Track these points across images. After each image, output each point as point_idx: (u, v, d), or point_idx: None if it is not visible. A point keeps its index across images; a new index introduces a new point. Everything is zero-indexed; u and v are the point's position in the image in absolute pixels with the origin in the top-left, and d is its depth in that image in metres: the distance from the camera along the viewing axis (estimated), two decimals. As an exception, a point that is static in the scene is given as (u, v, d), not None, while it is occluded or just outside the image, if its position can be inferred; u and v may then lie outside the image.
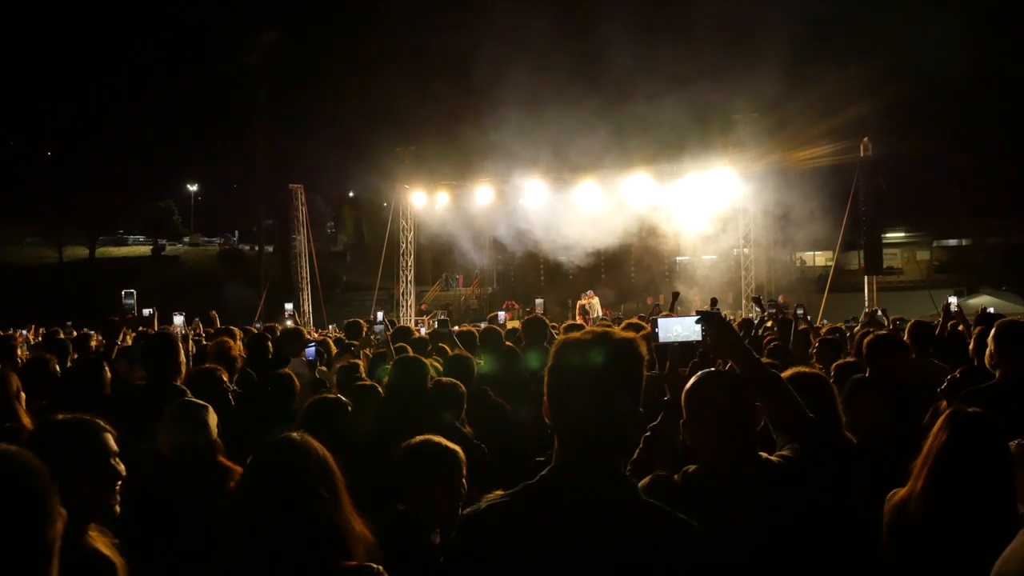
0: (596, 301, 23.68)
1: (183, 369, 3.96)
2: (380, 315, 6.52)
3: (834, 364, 4.44)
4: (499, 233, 25.13)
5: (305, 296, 25.73)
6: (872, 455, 3.05)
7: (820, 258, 40.47)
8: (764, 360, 5.39)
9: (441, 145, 24.45)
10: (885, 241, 41.17)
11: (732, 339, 2.26)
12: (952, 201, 39.67)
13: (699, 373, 2.23)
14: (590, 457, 1.70)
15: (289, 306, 6.24)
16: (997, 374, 3.79)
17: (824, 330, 8.53)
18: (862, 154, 20.26)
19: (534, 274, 31.07)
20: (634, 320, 9.08)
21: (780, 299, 26.23)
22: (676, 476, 2.16)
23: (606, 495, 1.66)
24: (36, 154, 56.71)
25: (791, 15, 22.63)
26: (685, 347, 2.44)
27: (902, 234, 41.83)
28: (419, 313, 25.84)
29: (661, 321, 2.45)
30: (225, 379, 4.04)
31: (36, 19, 59.02)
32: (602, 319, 21.36)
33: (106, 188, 53.10)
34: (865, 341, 4.13)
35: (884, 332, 4.39)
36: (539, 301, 13.47)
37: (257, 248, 48.42)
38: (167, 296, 38.90)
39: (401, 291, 25.82)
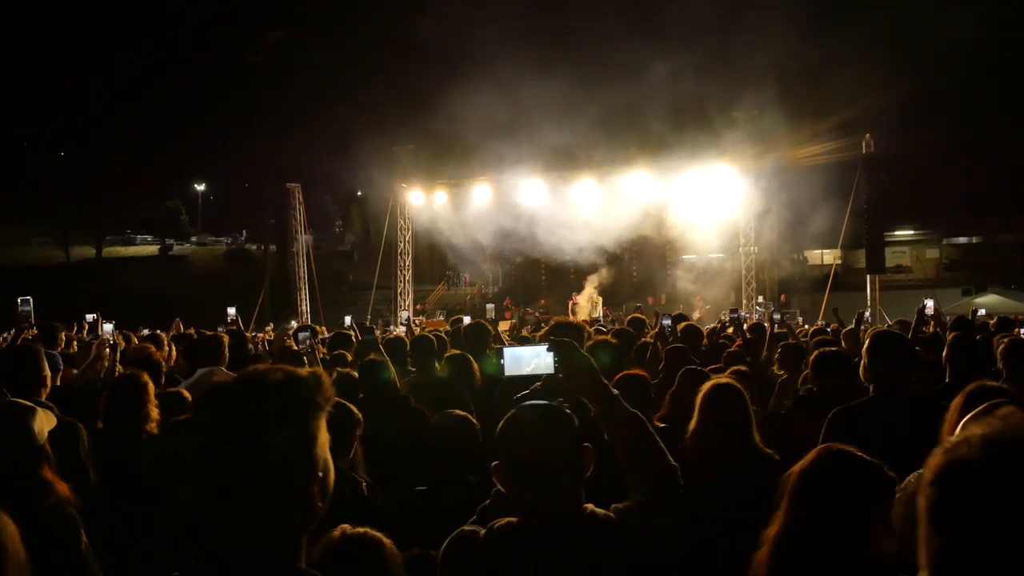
0: (599, 301, 23.49)
1: (48, 383, 3.78)
2: (293, 323, 6.30)
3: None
4: (499, 232, 24.94)
5: (303, 296, 25.59)
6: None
7: (828, 256, 40.04)
8: (731, 367, 5.19)
9: (439, 144, 24.25)
10: (893, 239, 40.82)
11: (586, 371, 2.01)
12: (962, 198, 39.11)
13: (519, 406, 1.97)
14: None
15: (232, 310, 6.04)
16: (871, 389, 3.51)
17: (811, 330, 8.27)
18: (864, 151, 19.92)
19: (535, 273, 30.89)
20: (635, 316, 8.88)
21: (783, 298, 26.14)
22: (483, 530, 1.89)
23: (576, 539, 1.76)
24: (43, 154, 56.91)
25: (792, 9, 22.27)
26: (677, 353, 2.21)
27: (911, 232, 41.29)
28: (416, 313, 25.66)
29: (508, 352, 2.18)
30: (150, 385, 3.85)
31: (43, 21, 59.28)
32: (604, 318, 21.21)
33: (113, 188, 53.21)
34: (811, 358, 3.89)
35: (830, 349, 4.12)
36: (490, 306, 13.21)
37: (263, 248, 48.48)
38: (172, 296, 39.12)
39: (399, 291, 25.67)
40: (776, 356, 5.41)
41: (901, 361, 3.31)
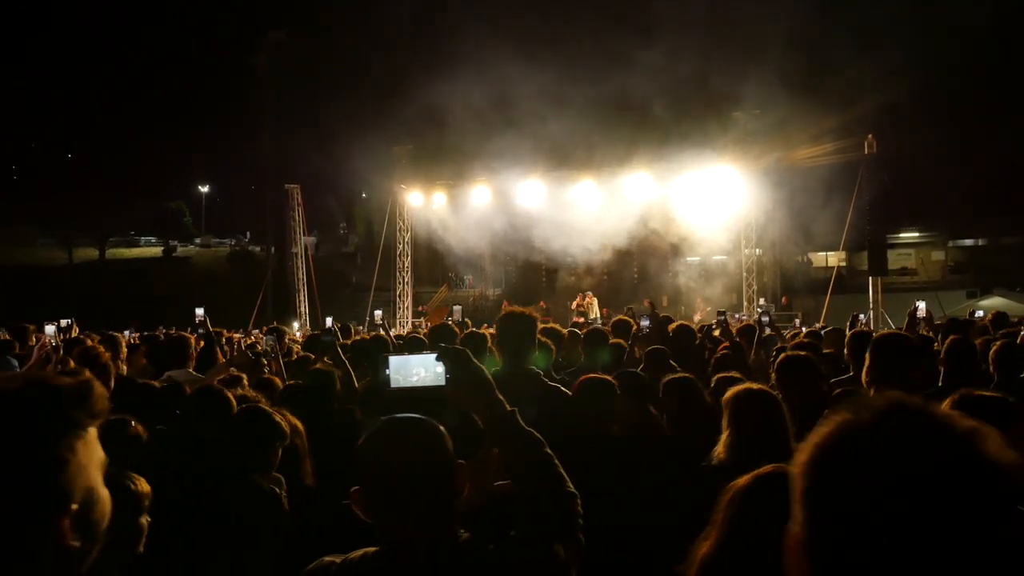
0: (594, 302, 23.26)
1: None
2: (295, 324, 6.12)
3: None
4: (499, 234, 24.77)
5: (302, 297, 25.48)
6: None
7: (832, 258, 39.75)
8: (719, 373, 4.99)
9: (438, 144, 24.10)
10: (899, 241, 40.54)
11: (476, 382, 1.80)
12: (968, 200, 38.77)
13: (385, 419, 1.75)
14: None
15: (200, 311, 5.86)
16: (871, 392, 3.28)
17: (801, 336, 8.05)
18: (866, 151, 19.68)
19: (535, 275, 30.72)
20: (621, 317, 8.70)
21: (784, 300, 25.90)
22: (339, 559, 1.68)
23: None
24: (47, 155, 56.97)
25: (794, 7, 22.07)
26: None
27: (916, 234, 40.96)
28: (416, 315, 25.52)
29: (393, 360, 1.97)
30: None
31: (48, 23, 59.42)
32: (602, 319, 20.99)
33: (117, 189, 53.24)
34: (776, 361, 3.68)
35: (796, 353, 3.92)
36: (457, 308, 13.03)
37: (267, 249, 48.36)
38: (176, 297, 39.08)
39: (398, 292, 25.52)
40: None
41: (904, 362, 3.11)
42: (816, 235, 25.10)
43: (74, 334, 7.36)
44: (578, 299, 23.93)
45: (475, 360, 1.84)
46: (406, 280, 25.47)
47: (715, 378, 4.33)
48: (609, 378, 3.66)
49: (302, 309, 25.22)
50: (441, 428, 1.69)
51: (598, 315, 21.93)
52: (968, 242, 42.11)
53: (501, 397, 1.83)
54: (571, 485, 1.79)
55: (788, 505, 1.80)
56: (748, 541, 1.75)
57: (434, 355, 1.84)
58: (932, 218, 39.88)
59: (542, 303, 28.43)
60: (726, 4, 26.57)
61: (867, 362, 3.15)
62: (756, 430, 2.95)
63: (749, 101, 21.20)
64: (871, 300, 19.60)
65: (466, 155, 22.63)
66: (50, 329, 5.29)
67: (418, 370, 1.90)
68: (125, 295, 43.30)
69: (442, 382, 1.81)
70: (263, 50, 45.86)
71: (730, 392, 3.08)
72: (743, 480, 1.88)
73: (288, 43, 45.23)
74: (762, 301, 21.61)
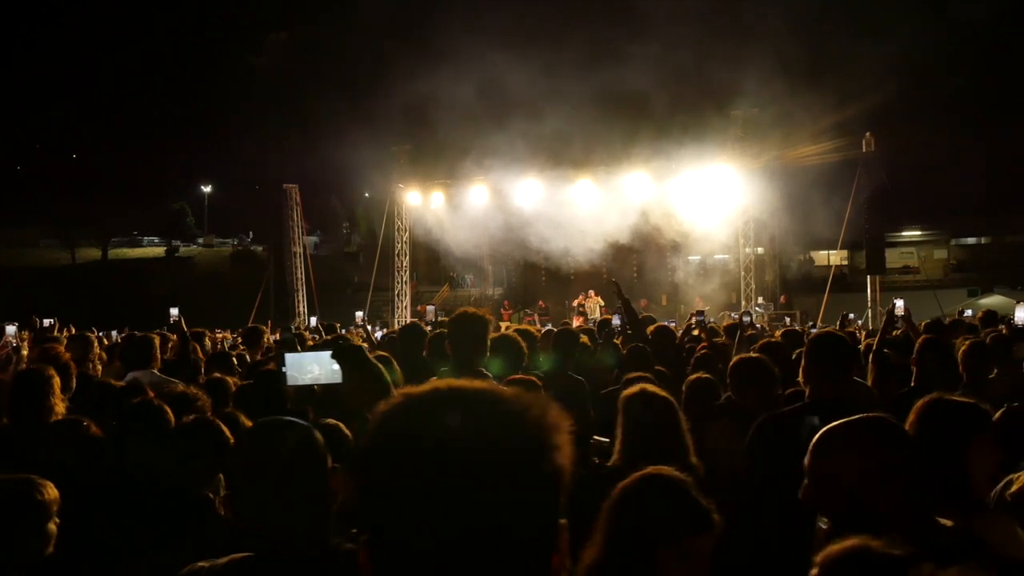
0: (597, 300, 23.19)
1: None
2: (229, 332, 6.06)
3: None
4: (497, 234, 24.73)
5: (300, 297, 25.47)
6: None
7: (835, 257, 39.60)
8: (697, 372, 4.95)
9: (436, 144, 24.07)
10: (901, 240, 40.37)
11: (373, 381, 1.75)
12: (970, 199, 38.57)
13: (257, 421, 1.71)
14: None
15: (175, 311, 5.81)
16: (807, 394, 3.20)
17: (777, 335, 7.98)
18: (864, 150, 19.59)
19: (534, 275, 30.65)
20: (604, 318, 8.66)
21: (782, 299, 25.78)
22: (208, 564, 1.60)
23: None
24: (49, 156, 57.17)
25: (792, 5, 21.98)
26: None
27: (918, 233, 40.79)
28: (415, 315, 25.48)
29: (289, 357, 1.93)
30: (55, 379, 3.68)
31: (51, 25, 59.64)
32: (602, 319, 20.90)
33: (120, 190, 53.39)
34: (731, 364, 3.63)
35: (750, 355, 3.86)
36: (431, 308, 12.96)
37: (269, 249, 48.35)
38: (178, 298, 39.12)
39: (397, 292, 25.50)
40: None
41: (841, 365, 3.04)
42: (818, 233, 24.99)
43: (55, 333, 7.36)
44: (580, 297, 23.86)
45: (372, 359, 1.79)
46: (404, 279, 25.44)
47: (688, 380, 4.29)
48: (533, 378, 3.61)
49: (300, 309, 25.21)
50: (315, 431, 1.64)
51: (599, 315, 21.87)
52: (971, 240, 41.94)
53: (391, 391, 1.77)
54: None
55: (667, 508, 1.77)
56: (628, 546, 1.71)
57: (329, 353, 1.80)
58: (935, 216, 39.73)
59: (542, 303, 28.36)
60: (724, 1, 26.50)
61: (802, 363, 3.10)
62: (648, 432, 2.93)
63: (747, 99, 21.12)
64: (869, 299, 19.53)
65: (464, 154, 22.62)
66: (11, 329, 5.27)
67: (312, 367, 1.87)
68: (128, 295, 43.38)
69: (338, 379, 1.77)
70: (266, 50, 45.95)
71: (624, 394, 3.04)
72: (623, 484, 1.85)
73: (289, 43, 45.29)
74: (760, 300, 21.54)
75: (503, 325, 21.93)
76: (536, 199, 22.50)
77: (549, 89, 21.28)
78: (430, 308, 12.27)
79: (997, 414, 2.33)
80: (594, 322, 17.97)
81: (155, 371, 5.17)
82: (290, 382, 1.89)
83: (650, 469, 1.87)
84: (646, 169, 21.32)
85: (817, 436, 1.80)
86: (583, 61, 22.94)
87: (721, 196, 21.09)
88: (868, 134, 19.77)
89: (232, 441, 2.91)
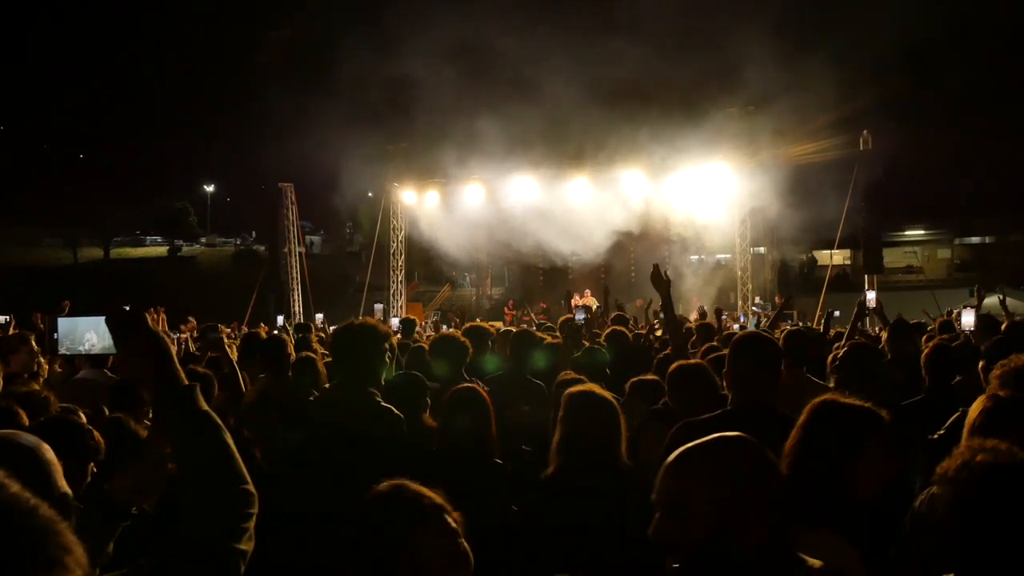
0: (593, 301, 23.01)
1: None
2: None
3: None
4: (495, 233, 24.59)
5: (295, 296, 25.36)
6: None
7: (838, 256, 39.33)
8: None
9: (431, 142, 23.92)
10: (904, 239, 40.09)
11: (149, 349, 1.55)
12: (974, 199, 38.30)
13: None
14: None
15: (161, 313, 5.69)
16: (729, 399, 3.06)
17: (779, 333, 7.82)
18: (861, 147, 19.38)
19: (533, 275, 30.52)
20: (616, 314, 8.51)
21: (778, 299, 25.55)
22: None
23: None
24: (53, 156, 57.33)
25: (791, 3, 21.78)
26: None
27: (922, 232, 40.51)
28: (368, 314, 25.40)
29: (62, 323, 1.76)
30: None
31: (54, 25, 59.79)
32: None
33: (123, 189, 53.52)
34: (670, 369, 3.49)
35: (688, 363, 3.71)
36: (378, 306, 12.83)
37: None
38: (181, 297, 39.10)
39: (392, 291, 25.38)
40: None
41: (765, 367, 2.88)
42: (818, 233, 24.79)
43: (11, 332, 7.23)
44: (575, 298, 23.68)
45: (149, 326, 1.56)
46: (399, 279, 25.33)
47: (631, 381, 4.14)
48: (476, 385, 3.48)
49: (296, 308, 25.10)
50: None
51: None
52: (975, 240, 41.61)
53: (179, 369, 1.57)
54: (251, 485, 1.53)
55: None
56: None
57: (104, 318, 1.59)
58: (938, 215, 39.44)
59: (542, 303, 28.17)
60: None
61: (724, 367, 2.95)
62: (586, 431, 2.83)
63: (744, 97, 20.94)
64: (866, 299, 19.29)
65: (459, 153, 22.46)
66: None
67: (90, 335, 1.70)
68: (130, 295, 43.38)
69: (115, 350, 1.58)
70: (267, 49, 45.90)
71: (565, 393, 2.94)
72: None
73: (290, 42, 45.24)
74: (758, 299, 21.35)
75: (499, 325, 21.83)
76: (532, 198, 22.35)
77: (546, 87, 21.12)
78: (377, 306, 12.11)
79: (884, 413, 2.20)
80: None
81: (105, 370, 5.07)
82: (63, 350, 1.72)
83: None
84: (643, 168, 21.14)
85: (670, 459, 1.58)
86: (581, 59, 22.79)
87: (718, 194, 20.90)
88: (865, 132, 19.56)
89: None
